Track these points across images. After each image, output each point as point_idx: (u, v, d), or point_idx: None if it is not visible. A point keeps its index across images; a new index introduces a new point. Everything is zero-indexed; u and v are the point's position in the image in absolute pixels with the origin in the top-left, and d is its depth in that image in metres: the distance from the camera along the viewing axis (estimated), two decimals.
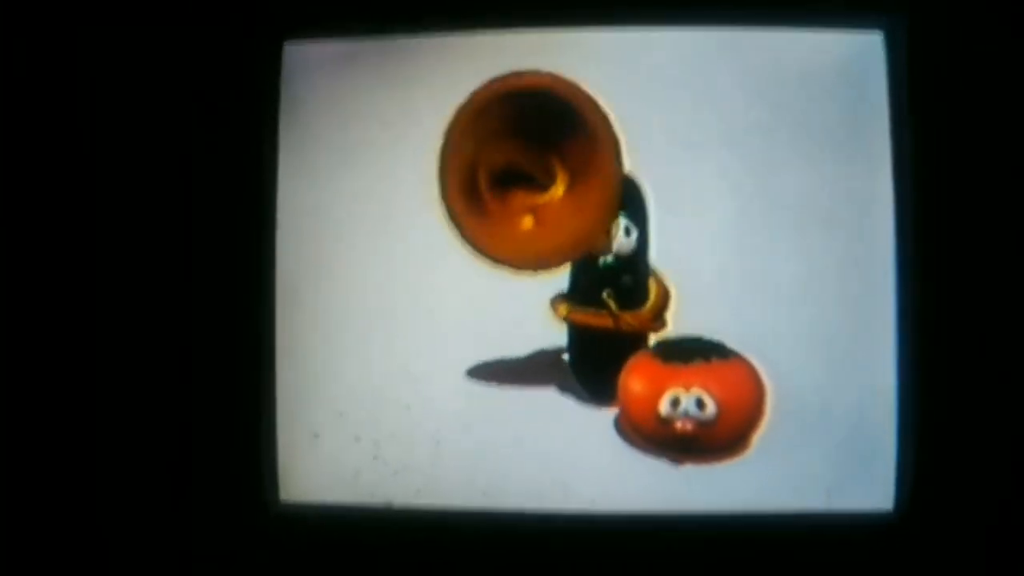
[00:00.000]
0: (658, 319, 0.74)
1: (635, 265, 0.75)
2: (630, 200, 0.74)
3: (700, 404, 0.72)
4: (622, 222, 0.75)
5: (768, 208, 0.74)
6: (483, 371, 0.75)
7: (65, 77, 0.78)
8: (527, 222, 0.74)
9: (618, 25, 0.75)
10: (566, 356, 0.76)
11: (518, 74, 0.73)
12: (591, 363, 0.75)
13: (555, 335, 0.75)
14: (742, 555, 0.73)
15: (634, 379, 0.74)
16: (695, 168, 0.74)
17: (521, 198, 0.74)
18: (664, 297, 0.74)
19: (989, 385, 0.71)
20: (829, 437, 0.73)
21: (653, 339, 0.75)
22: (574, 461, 0.74)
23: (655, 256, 0.75)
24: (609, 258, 0.75)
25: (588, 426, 0.75)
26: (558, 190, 0.74)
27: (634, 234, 0.75)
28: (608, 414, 0.75)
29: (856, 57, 0.74)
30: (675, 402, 0.72)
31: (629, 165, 0.74)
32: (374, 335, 0.76)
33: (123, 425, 0.77)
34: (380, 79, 0.76)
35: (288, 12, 0.77)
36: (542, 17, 0.75)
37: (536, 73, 0.73)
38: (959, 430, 0.71)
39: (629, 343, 0.75)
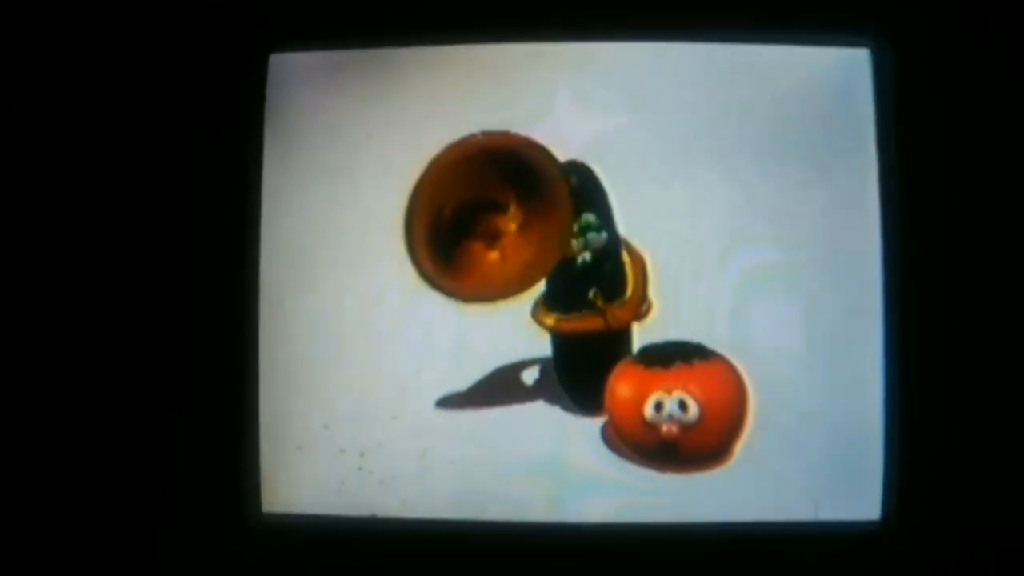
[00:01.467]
0: (643, 300, 0.74)
1: (609, 253, 0.75)
2: (585, 188, 0.75)
3: (683, 406, 0.72)
4: (583, 218, 0.75)
5: (754, 219, 0.74)
6: (468, 382, 0.75)
7: (49, 86, 0.77)
8: (492, 256, 0.75)
9: (605, 39, 0.75)
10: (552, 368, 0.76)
11: (453, 145, 0.75)
12: (577, 372, 0.75)
13: (540, 345, 0.75)
14: (729, 566, 0.73)
15: (619, 387, 0.74)
16: (682, 180, 0.74)
17: (483, 226, 0.75)
18: (641, 269, 0.74)
19: (976, 394, 0.71)
20: (815, 447, 0.73)
21: (638, 336, 0.75)
22: (561, 472, 0.74)
23: (625, 232, 0.75)
24: (587, 256, 0.75)
25: (575, 436, 0.74)
26: (515, 214, 0.75)
27: (597, 223, 0.75)
28: (595, 424, 0.74)
29: (843, 73, 0.74)
30: (658, 406, 0.73)
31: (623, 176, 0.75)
32: (359, 347, 0.76)
33: (105, 436, 0.76)
34: (366, 90, 0.76)
35: (274, 23, 0.77)
36: (530, 30, 0.75)
37: (470, 139, 0.74)
38: (946, 440, 0.71)
39: (615, 347, 0.75)
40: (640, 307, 0.74)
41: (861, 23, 0.74)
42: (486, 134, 0.74)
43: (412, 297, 0.75)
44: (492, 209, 0.75)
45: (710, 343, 0.73)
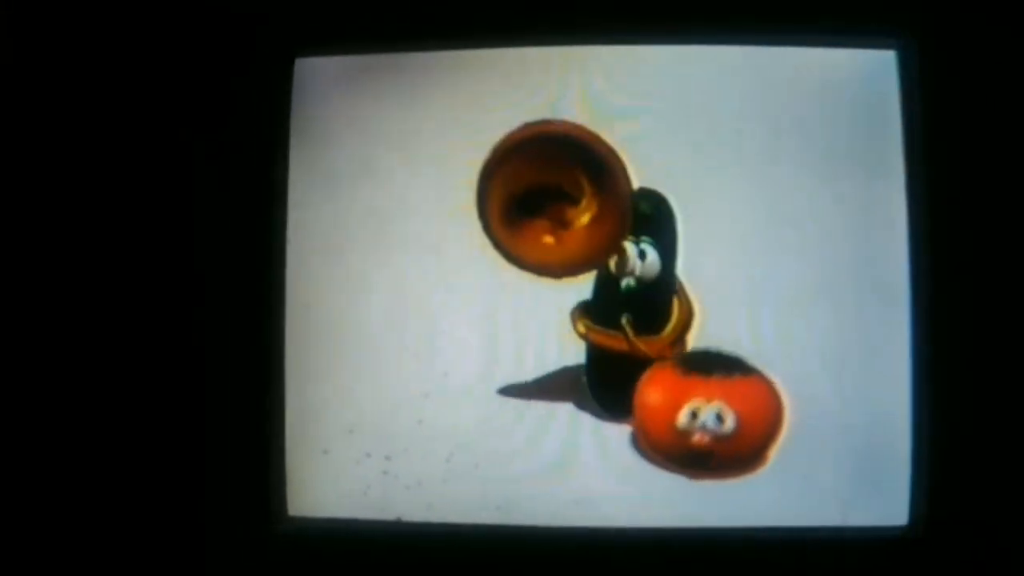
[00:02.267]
0: (676, 344, 0.74)
1: (658, 288, 0.75)
2: (655, 220, 0.74)
3: (719, 418, 0.72)
4: (639, 246, 0.75)
5: (783, 224, 0.74)
6: (497, 386, 0.75)
7: (76, 91, 0.78)
8: (548, 239, 0.75)
9: (633, 42, 0.75)
10: (583, 373, 0.75)
11: (549, 121, 0.74)
12: (606, 380, 0.75)
13: (573, 350, 0.75)
14: (757, 571, 0.73)
15: (653, 389, 0.74)
16: (711, 184, 0.74)
17: (554, 211, 0.75)
18: (687, 318, 0.74)
19: (1004, 400, 0.71)
20: (843, 452, 0.72)
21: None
22: (588, 476, 0.74)
23: (680, 272, 0.75)
24: (632, 282, 0.75)
25: (603, 441, 0.74)
26: (588, 204, 0.74)
27: (653, 256, 0.75)
28: (624, 430, 0.74)
29: (870, 74, 0.74)
30: (694, 414, 0.72)
31: (652, 182, 0.75)
32: (386, 351, 0.76)
33: (132, 439, 0.76)
34: (392, 94, 0.76)
35: (300, 27, 0.77)
36: (556, 33, 0.75)
37: (563, 122, 0.74)
38: (974, 445, 0.71)
39: (639, 366, 0.75)
40: (671, 348, 0.74)
41: (887, 25, 0.74)
42: (574, 124, 0.74)
43: (438, 302, 0.75)
44: (566, 198, 0.74)
45: (738, 350, 0.73)
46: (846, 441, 0.72)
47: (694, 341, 0.74)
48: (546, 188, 0.74)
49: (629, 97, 0.75)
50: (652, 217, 0.74)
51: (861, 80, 0.74)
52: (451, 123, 0.75)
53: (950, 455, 0.71)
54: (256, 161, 0.76)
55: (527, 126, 0.74)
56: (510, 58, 0.76)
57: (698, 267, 0.74)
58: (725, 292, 0.74)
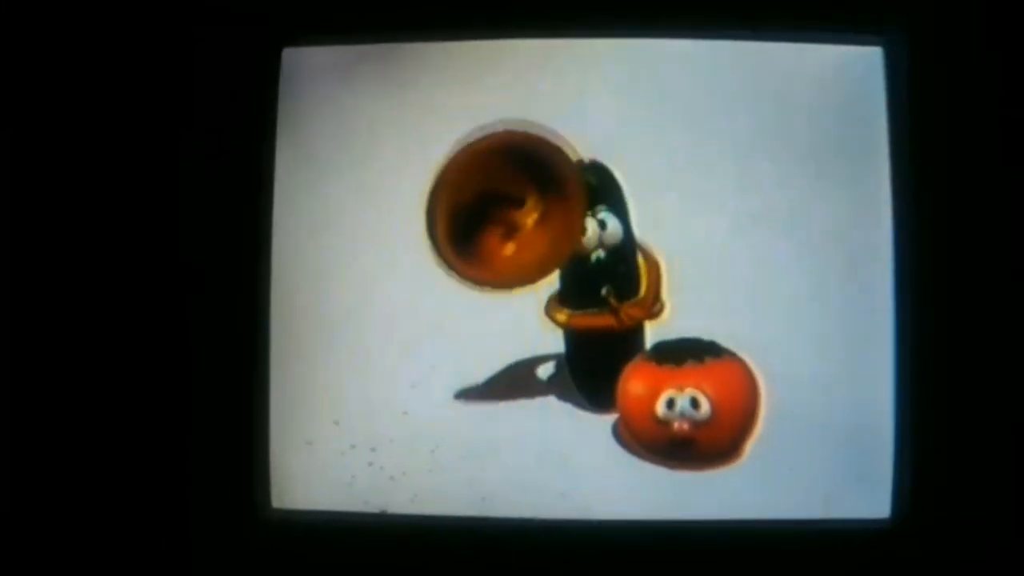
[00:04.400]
0: (656, 300, 0.74)
1: (623, 251, 0.75)
2: (603, 188, 0.75)
3: (695, 403, 0.73)
4: (599, 215, 0.75)
5: (767, 217, 0.74)
6: (482, 377, 0.75)
7: (63, 81, 0.77)
8: (508, 248, 0.75)
9: (619, 35, 0.75)
10: (565, 364, 0.75)
11: (473, 141, 0.75)
12: (590, 368, 0.75)
13: (552, 341, 0.75)
14: (739, 563, 0.73)
15: (631, 384, 0.74)
16: (695, 178, 0.74)
17: (500, 219, 0.75)
18: (655, 271, 0.74)
19: (986, 393, 0.72)
20: (825, 445, 0.73)
21: (651, 333, 0.75)
22: (572, 468, 0.74)
23: (640, 235, 0.75)
24: (601, 253, 0.75)
25: (586, 433, 0.74)
26: (532, 208, 0.75)
27: (614, 222, 0.75)
28: (607, 420, 0.74)
29: (856, 70, 0.75)
30: (671, 403, 0.73)
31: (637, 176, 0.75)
32: (371, 342, 0.76)
33: (116, 431, 0.76)
34: (379, 85, 0.76)
35: (287, 18, 0.77)
36: (545, 26, 0.75)
37: (489, 134, 0.75)
38: (956, 438, 0.71)
39: (628, 344, 0.75)
40: (652, 307, 0.75)
41: (874, 21, 0.74)
42: (506, 129, 0.75)
43: (424, 292, 0.75)
44: (510, 202, 0.75)
45: (723, 341, 0.73)
46: (829, 433, 0.73)
47: (680, 331, 0.74)
48: (487, 198, 0.75)
49: (614, 91, 0.75)
50: (600, 186, 0.75)
51: (847, 76, 0.75)
52: (438, 113, 0.75)
53: (933, 448, 0.71)
54: (243, 151, 0.76)
55: (456, 150, 0.75)
56: (496, 49, 0.76)
57: (687, 261, 0.74)
58: (711, 284, 0.74)
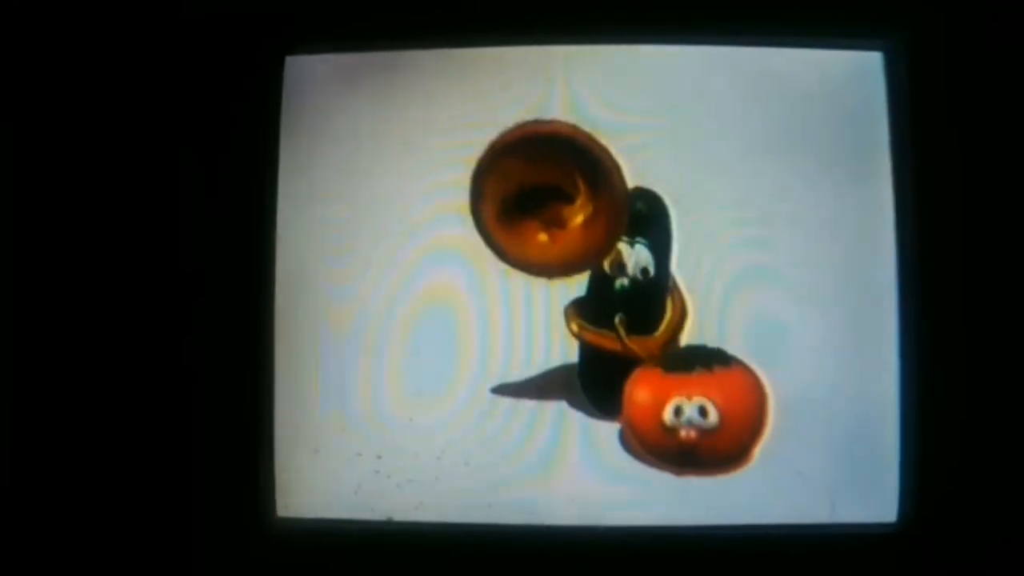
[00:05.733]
0: (669, 344, 0.74)
1: (651, 288, 0.75)
2: (650, 219, 0.75)
3: (703, 412, 0.73)
4: (634, 246, 0.75)
5: (771, 220, 0.74)
6: (489, 384, 0.75)
7: (64, 90, 0.77)
8: (542, 238, 0.75)
9: (622, 41, 0.75)
10: (576, 371, 0.75)
11: (543, 121, 0.75)
12: (599, 378, 0.75)
13: (566, 348, 0.75)
14: (745, 569, 0.73)
15: (638, 391, 0.74)
16: (698, 182, 0.74)
17: (550, 210, 0.75)
18: (680, 318, 0.74)
19: (992, 396, 0.72)
20: (832, 449, 0.73)
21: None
22: (579, 475, 0.74)
23: (674, 271, 0.75)
24: (626, 282, 0.75)
25: (594, 440, 0.74)
26: (581, 207, 0.75)
27: (647, 256, 0.75)
28: (613, 427, 0.74)
29: (856, 75, 0.75)
30: (678, 411, 0.73)
31: (640, 181, 0.75)
32: (376, 350, 0.76)
33: (121, 439, 0.76)
34: (382, 93, 0.76)
35: (290, 25, 0.77)
36: (547, 33, 0.75)
37: (559, 122, 0.75)
38: (962, 442, 0.72)
39: (630, 364, 0.75)
40: (662, 348, 0.75)
41: (874, 26, 0.75)
42: (571, 124, 0.75)
43: (428, 301, 0.75)
44: (561, 198, 0.75)
45: (728, 347, 0.74)
46: (835, 438, 0.73)
47: (686, 338, 0.74)
48: (541, 187, 0.74)
49: (618, 97, 0.75)
50: (647, 217, 0.75)
51: (848, 81, 0.75)
52: (442, 121, 0.76)
53: (939, 452, 0.71)
54: (246, 159, 0.76)
55: (522, 125, 0.75)
56: (502, 56, 0.76)
57: (691, 266, 0.74)
58: (716, 289, 0.74)
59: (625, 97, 0.75)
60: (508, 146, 0.74)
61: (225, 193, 0.76)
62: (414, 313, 0.75)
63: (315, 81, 0.77)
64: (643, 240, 0.75)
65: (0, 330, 0.77)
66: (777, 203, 0.74)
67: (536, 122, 0.75)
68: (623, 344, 0.75)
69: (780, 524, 0.73)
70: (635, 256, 0.75)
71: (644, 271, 0.75)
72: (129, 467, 0.76)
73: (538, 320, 0.75)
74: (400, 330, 0.75)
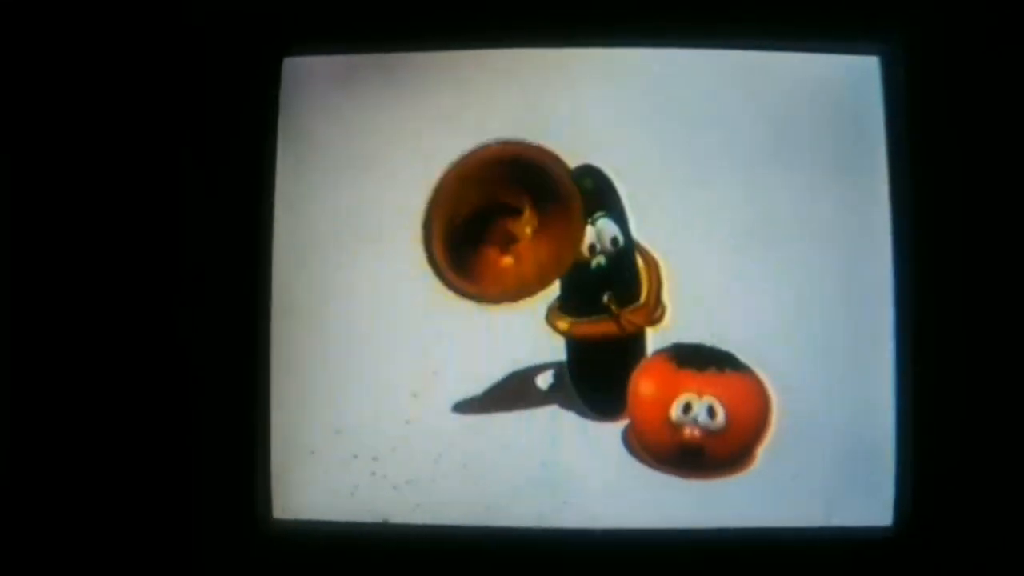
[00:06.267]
0: (658, 305, 0.74)
1: (623, 256, 0.75)
2: (600, 192, 0.75)
3: (711, 412, 0.73)
4: (597, 221, 0.75)
5: (767, 225, 0.74)
6: (484, 386, 0.75)
7: (62, 91, 0.77)
8: (506, 260, 0.75)
9: (619, 45, 0.76)
10: (567, 372, 0.76)
11: (487, 146, 0.75)
12: (592, 376, 0.75)
13: (555, 349, 0.75)
14: (741, 571, 0.73)
15: (647, 381, 0.74)
16: (696, 185, 0.75)
17: (498, 231, 0.75)
18: (656, 275, 0.74)
19: (988, 400, 0.72)
20: (828, 453, 0.73)
21: (652, 340, 0.75)
22: (576, 476, 0.74)
23: (639, 238, 0.75)
24: (601, 259, 0.76)
25: (590, 440, 0.74)
26: (529, 219, 0.75)
27: (612, 227, 0.75)
28: (611, 428, 0.74)
29: (853, 80, 0.75)
30: (687, 408, 0.73)
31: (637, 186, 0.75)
32: (372, 351, 0.76)
33: (117, 441, 0.75)
34: (380, 95, 0.76)
35: (288, 27, 0.77)
36: (546, 35, 0.75)
37: (487, 147, 0.75)
38: (958, 446, 0.72)
39: (629, 351, 0.75)
40: (654, 312, 0.75)
41: (871, 31, 0.75)
42: (500, 142, 0.75)
43: (426, 302, 0.75)
44: (507, 213, 0.75)
45: (722, 346, 0.74)
46: (831, 442, 0.73)
47: (680, 336, 0.74)
48: (482, 212, 0.75)
49: (614, 100, 0.75)
50: (596, 190, 0.75)
51: (845, 86, 0.75)
52: (439, 122, 0.76)
53: (935, 456, 0.72)
54: (244, 160, 0.76)
55: (450, 166, 0.75)
56: (499, 58, 0.76)
57: (688, 271, 0.75)
58: (712, 295, 0.74)
59: (622, 101, 0.75)
60: (440, 192, 0.74)
61: (223, 194, 0.76)
62: (409, 315, 0.75)
63: (313, 82, 0.77)
64: (602, 212, 0.75)
65: (0, 331, 0.77)
66: (774, 207, 0.74)
67: (463, 157, 0.75)
68: (621, 321, 0.75)
69: (776, 527, 0.73)
70: (601, 231, 0.75)
71: (614, 240, 0.75)
72: (127, 469, 0.75)
73: (532, 321, 0.75)
74: (397, 331, 0.75)
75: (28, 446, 0.76)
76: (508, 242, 0.75)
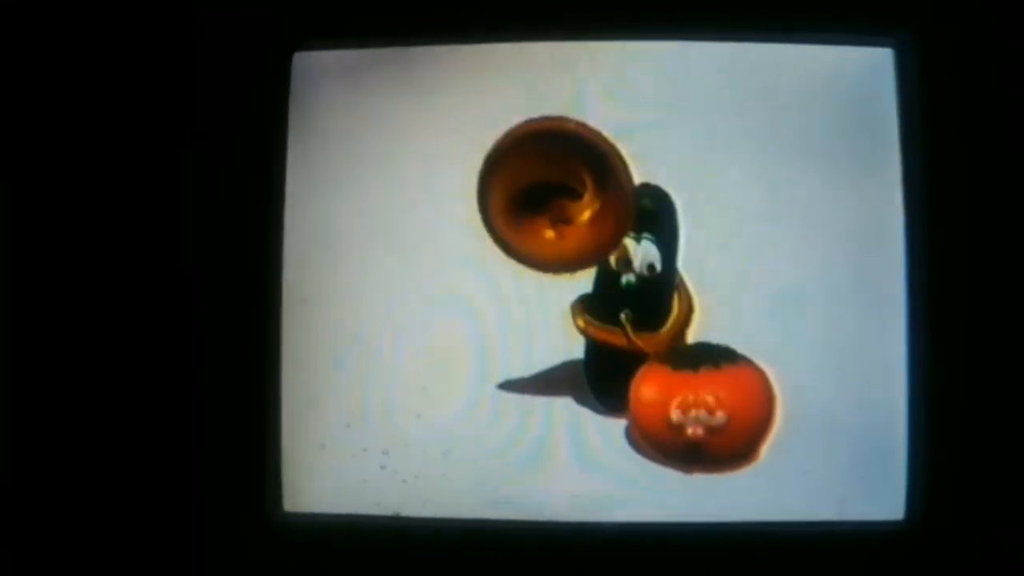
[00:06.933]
0: (675, 340, 0.74)
1: (657, 284, 0.75)
2: (656, 215, 0.74)
3: (710, 411, 0.72)
4: (640, 243, 0.75)
5: (780, 219, 0.74)
6: (496, 380, 0.75)
7: (70, 87, 0.78)
8: (549, 234, 0.75)
9: (633, 38, 0.75)
10: (582, 367, 0.75)
11: (549, 118, 0.74)
12: (605, 374, 0.75)
13: (570, 344, 0.75)
14: (753, 565, 0.73)
15: (645, 387, 0.74)
16: (706, 179, 0.74)
17: (557, 206, 0.75)
18: (687, 314, 0.74)
19: (1000, 393, 0.71)
20: (840, 446, 0.73)
21: None
22: (586, 471, 0.74)
23: (681, 268, 0.75)
24: (632, 278, 0.75)
25: (601, 435, 0.74)
26: (588, 204, 0.74)
27: (654, 253, 0.75)
28: (620, 424, 0.74)
29: (867, 71, 0.74)
30: (685, 408, 0.73)
31: (650, 177, 0.75)
32: (383, 345, 0.76)
33: (128, 435, 0.76)
34: (391, 89, 0.76)
35: (298, 21, 0.77)
36: (557, 29, 0.75)
37: (566, 119, 0.74)
38: (970, 439, 0.71)
39: (635, 357, 0.75)
40: (668, 346, 0.74)
41: (885, 22, 0.74)
42: (577, 121, 0.74)
43: (436, 297, 0.75)
44: (568, 194, 0.74)
45: (736, 345, 0.73)
46: (842, 435, 0.73)
47: (692, 336, 0.74)
48: (549, 184, 0.74)
49: (627, 94, 0.75)
50: (654, 213, 0.75)
51: (858, 77, 0.75)
52: (450, 118, 0.75)
53: (947, 449, 0.71)
54: (254, 155, 0.76)
55: (528, 122, 0.74)
56: (509, 53, 0.76)
57: (698, 263, 0.74)
58: (723, 286, 0.74)
59: (634, 94, 0.75)
60: (514, 143, 0.74)
61: (233, 189, 0.76)
62: (422, 309, 0.75)
63: (324, 77, 0.77)
64: (650, 236, 0.75)
65: (6, 330, 0.77)
66: (787, 200, 0.74)
67: (542, 119, 0.74)
68: (629, 340, 0.75)
69: (787, 521, 0.72)
70: (641, 252, 0.75)
71: (651, 267, 0.75)
72: (136, 462, 0.76)
73: (546, 316, 0.75)
74: (407, 326, 0.75)
75: (37, 439, 0.77)
76: (562, 222, 0.75)
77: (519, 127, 0.74)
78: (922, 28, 0.74)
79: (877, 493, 0.72)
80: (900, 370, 0.72)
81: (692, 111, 0.75)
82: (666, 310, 0.75)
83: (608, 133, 0.74)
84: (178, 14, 0.78)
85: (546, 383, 0.75)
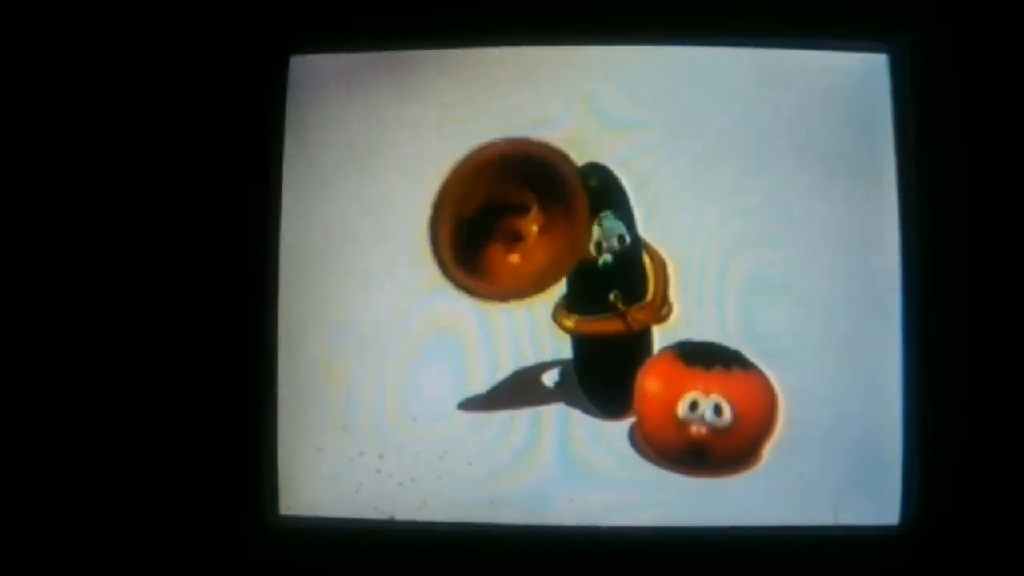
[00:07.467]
0: (664, 303, 0.74)
1: (630, 254, 0.75)
2: (606, 191, 0.75)
3: (718, 410, 0.72)
4: (603, 220, 0.75)
5: (775, 224, 0.74)
6: (491, 383, 0.75)
7: (67, 90, 0.78)
8: (514, 258, 0.75)
9: (624, 42, 0.75)
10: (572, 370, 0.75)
11: (494, 144, 0.75)
12: (598, 374, 0.75)
13: (561, 347, 0.75)
14: (749, 570, 0.73)
15: (654, 378, 0.74)
16: (704, 183, 0.74)
17: (504, 229, 0.75)
18: (663, 273, 0.74)
19: (996, 399, 0.72)
20: (836, 451, 0.73)
21: (658, 337, 0.75)
22: (582, 474, 0.74)
23: (646, 236, 0.75)
24: (608, 257, 0.75)
25: (596, 439, 0.74)
26: (536, 217, 0.75)
27: (618, 226, 0.75)
28: (616, 426, 0.74)
29: (862, 77, 0.75)
30: (693, 405, 0.73)
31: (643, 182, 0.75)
32: (378, 349, 0.76)
33: (124, 438, 0.76)
34: (387, 93, 0.76)
35: (294, 25, 0.77)
36: (553, 33, 0.75)
37: (490, 144, 0.75)
38: (966, 445, 0.71)
39: (635, 349, 0.75)
40: (661, 310, 0.74)
41: (879, 28, 0.75)
42: (506, 140, 0.75)
43: (431, 299, 0.75)
44: (513, 211, 0.75)
45: (729, 344, 0.73)
46: (838, 440, 0.73)
47: (686, 330, 0.74)
48: (492, 207, 0.75)
49: (622, 97, 0.75)
50: (603, 188, 0.75)
51: (853, 83, 0.75)
52: (446, 121, 0.75)
53: (942, 454, 0.71)
54: (251, 158, 0.76)
55: (456, 164, 0.75)
56: (506, 57, 0.76)
57: (696, 267, 0.74)
58: (722, 291, 0.74)
59: (629, 98, 0.75)
60: (447, 188, 0.74)
61: (229, 193, 0.76)
62: (415, 313, 0.75)
63: (320, 81, 0.77)
64: (608, 211, 0.75)
65: (5, 329, 0.77)
66: (781, 205, 0.74)
67: (468, 155, 0.75)
68: (628, 319, 0.75)
69: (783, 526, 0.73)
70: (607, 229, 0.75)
71: (620, 238, 0.75)
72: (133, 466, 0.76)
73: (539, 318, 0.75)
74: (402, 329, 0.75)
75: (34, 441, 0.76)
76: (514, 240, 0.75)
77: (451, 172, 0.75)
78: (917, 34, 0.74)
79: (873, 498, 0.72)
80: (896, 375, 0.72)
81: (687, 116, 0.75)
82: (644, 276, 0.75)
83: (602, 137, 0.74)
84: (176, 18, 0.78)
85: (541, 386, 0.75)
